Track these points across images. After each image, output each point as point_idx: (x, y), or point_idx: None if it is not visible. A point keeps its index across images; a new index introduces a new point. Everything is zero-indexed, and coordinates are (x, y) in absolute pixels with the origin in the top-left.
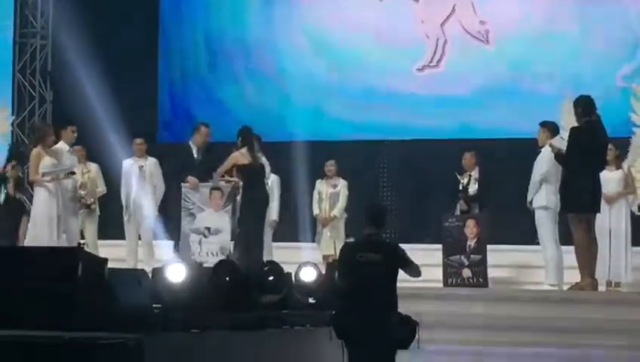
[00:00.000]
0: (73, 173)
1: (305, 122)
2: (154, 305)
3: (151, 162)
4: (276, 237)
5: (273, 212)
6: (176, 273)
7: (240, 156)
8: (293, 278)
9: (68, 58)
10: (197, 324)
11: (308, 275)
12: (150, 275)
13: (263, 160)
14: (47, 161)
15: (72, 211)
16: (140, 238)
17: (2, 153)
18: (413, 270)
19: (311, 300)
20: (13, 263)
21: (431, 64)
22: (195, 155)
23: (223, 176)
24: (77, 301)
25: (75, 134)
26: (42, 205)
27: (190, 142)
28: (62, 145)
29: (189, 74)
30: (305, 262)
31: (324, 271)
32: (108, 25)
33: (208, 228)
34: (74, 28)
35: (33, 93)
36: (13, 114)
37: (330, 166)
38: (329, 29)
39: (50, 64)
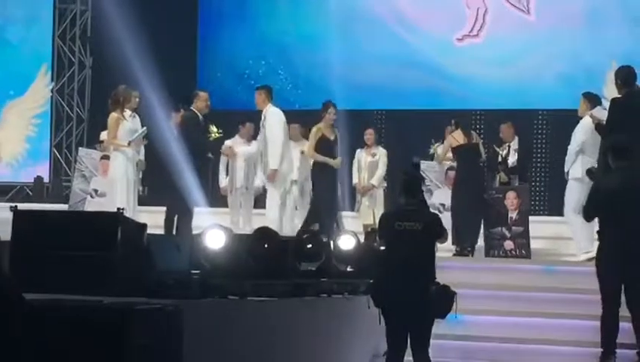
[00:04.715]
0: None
1: (345, 91)
2: (192, 271)
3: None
4: None
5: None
6: (215, 239)
7: (453, 138)
8: (331, 246)
9: (108, 24)
10: (235, 291)
11: (346, 244)
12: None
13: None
14: (126, 126)
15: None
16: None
17: (46, 119)
18: (444, 238)
19: (349, 268)
20: (54, 228)
21: (471, 34)
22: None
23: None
24: (116, 266)
25: (138, 99)
26: (120, 168)
27: (193, 108)
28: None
29: (229, 39)
30: (344, 231)
31: (363, 240)
32: None
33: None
34: None
35: (73, 58)
36: (52, 80)
37: (370, 135)
38: None
39: (90, 30)
